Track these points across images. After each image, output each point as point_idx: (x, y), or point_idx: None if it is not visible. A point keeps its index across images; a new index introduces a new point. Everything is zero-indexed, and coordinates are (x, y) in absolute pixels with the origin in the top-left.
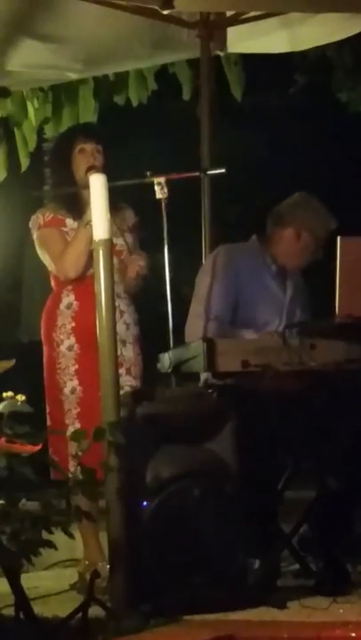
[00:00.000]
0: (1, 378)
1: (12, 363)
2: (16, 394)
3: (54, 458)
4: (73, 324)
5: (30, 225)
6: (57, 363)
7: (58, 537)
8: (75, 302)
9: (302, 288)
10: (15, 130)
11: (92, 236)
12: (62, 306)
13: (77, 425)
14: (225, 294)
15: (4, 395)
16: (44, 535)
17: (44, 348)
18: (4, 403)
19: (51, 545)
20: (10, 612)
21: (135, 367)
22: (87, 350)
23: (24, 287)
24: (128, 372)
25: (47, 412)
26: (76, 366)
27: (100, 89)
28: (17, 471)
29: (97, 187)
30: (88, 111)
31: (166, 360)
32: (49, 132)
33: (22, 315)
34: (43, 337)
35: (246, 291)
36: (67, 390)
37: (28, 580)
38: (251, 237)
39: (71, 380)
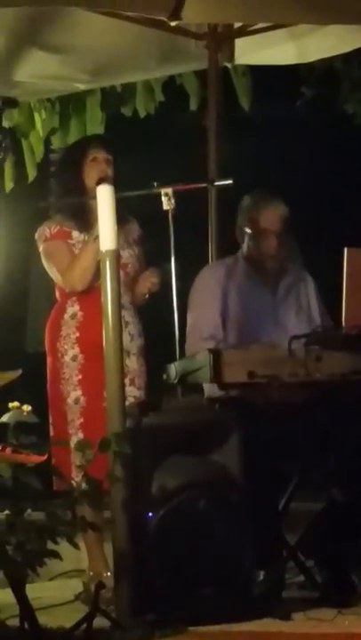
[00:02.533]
0: (7, 388)
1: (18, 373)
2: (22, 404)
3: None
4: (77, 335)
5: (36, 237)
6: (61, 373)
7: (63, 547)
8: (79, 312)
9: (303, 288)
10: (22, 140)
11: (98, 249)
12: (67, 316)
13: (80, 435)
14: (216, 312)
15: (11, 405)
16: (50, 545)
17: (48, 359)
18: (10, 413)
19: (56, 555)
20: (15, 622)
21: (139, 378)
22: (91, 360)
23: (30, 298)
24: (132, 382)
25: (50, 422)
26: (80, 376)
27: (108, 100)
28: (22, 481)
29: (104, 198)
30: (95, 122)
31: (173, 371)
32: (56, 142)
33: (28, 326)
34: (47, 347)
35: (235, 304)
36: (70, 400)
37: (33, 591)
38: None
39: (75, 390)
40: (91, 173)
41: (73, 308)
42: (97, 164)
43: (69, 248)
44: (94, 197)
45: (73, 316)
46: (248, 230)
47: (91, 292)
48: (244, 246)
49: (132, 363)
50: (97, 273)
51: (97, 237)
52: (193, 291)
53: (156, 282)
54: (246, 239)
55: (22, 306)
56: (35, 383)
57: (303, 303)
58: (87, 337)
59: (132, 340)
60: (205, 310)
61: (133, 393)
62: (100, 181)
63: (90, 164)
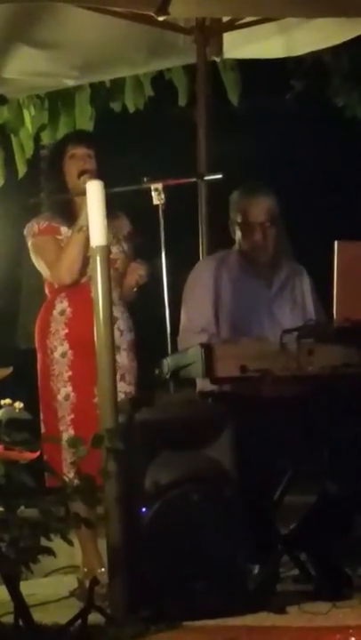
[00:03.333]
0: None
1: (9, 370)
2: (14, 401)
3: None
4: (66, 331)
5: (25, 232)
6: (51, 369)
7: (57, 544)
8: (68, 309)
9: (299, 282)
10: (12, 137)
11: (85, 241)
12: (55, 312)
13: (71, 431)
14: (209, 306)
15: (2, 402)
16: (43, 542)
17: (39, 355)
18: (1, 410)
19: (50, 552)
20: (9, 619)
21: (129, 374)
22: (81, 357)
23: (22, 294)
24: (122, 378)
25: (41, 418)
26: (70, 373)
27: (97, 95)
28: (15, 478)
29: (93, 193)
30: (84, 118)
31: (165, 366)
32: (46, 138)
33: (20, 322)
34: (37, 344)
35: (229, 298)
36: (60, 397)
37: (28, 587)
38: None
39: (65, 386)
40: (70, 169)
41: (62, 305)
42: (75, 160)
43: (58, 243)
44: (76, 194)
45: (62, 313)
46: (238, 223)
47: (79, 289)
48: (237, 240)
49: (122, 358)
50: (85, 267)
51: (81, 229)
52: (187, 285)
53: (143, 274)
54: (237, 233)
55: (14, 302)
56: (27, 380)
57: (298, 298)
58: (76, 333)
59: (122, 335)
60: (199, 304)
61: (124, 389)
62: (80, 174)
63: (69, 161)
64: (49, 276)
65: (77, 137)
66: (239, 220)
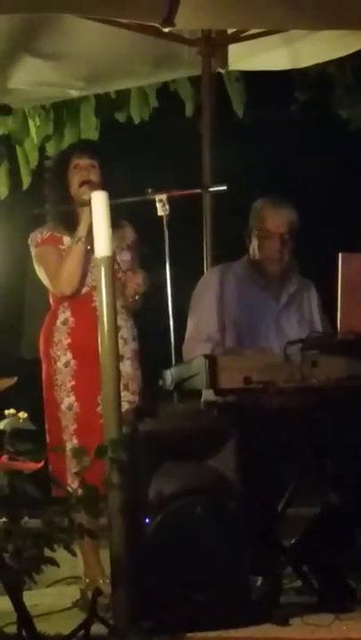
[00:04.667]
0: (3, 395)
1: (13, 380)
2: (18, 411)
3: (54, 475)
4: (69, 340)
5: (29, 242)
6: (54, 379)
7: (60, 554)
8: (71, 318)
9: (307, 296)
10: (17, 147)
11: (84, 252)
12: (59, 322)
13: (75, 441)
14: (216, 315)
15: (7, 412)
16: (46, 552)
17: (43, 365)
18: (5, 420)
19: (53, 562)
20: (12, 629)
21: (133, 383)
22: (84, 366)
23: (26, 304)
24: (126, 387)
25: (46, 428)
26: (73, 382)
27: (102, 106)
28: (19, 489)
29: (98, 204)
30: (89, 128)
31: (168, 377)
32: (50, 149)
33: (25, 332)
34: (41, 354)
35: (236, 309)
36: (64, 407)
37: (31, 598)
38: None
39: (68, 396)
40: (73, 180)
41: (65, 315)
42: (79, 170)
43: (60, 253)
44: (79, 204)
45: (65, 322)
46: (257, 230)
47: (82, 298)
48: (251, 249)
49: (126, 367)
50: (86, 277)
51: (79, 240)
52: (195, 293)
53: (140, 283)
54: (253, 241)
55: (19, 312)
56: (31, 390)
57: (306, 312)
58: (79, 343)
59: (126, 343)
60: (205, 313)
61: (127, 398)
62: (82, 184)
63: (72, 171)
64: (50, 287)
65: (81, 147)
66: (259, 227)
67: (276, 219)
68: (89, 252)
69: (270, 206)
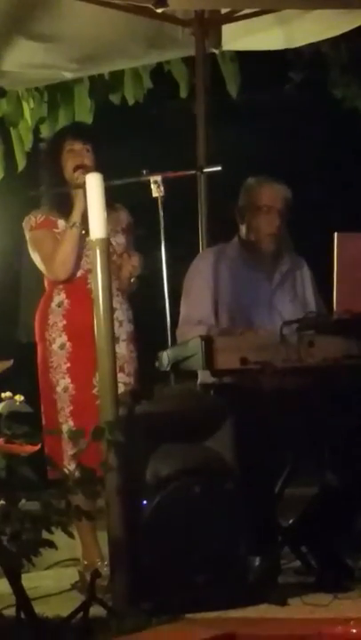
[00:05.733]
0: (0, 378)
1: (9, 363)
2: (15, 394)
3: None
4: (64, 322)
5: (23, 226)
6: (49, 361)
7: (58, 537)
8: (65, 300)
9: (299, 274)
10: (11, 130)
11: (78, 236)
12: (53, 304)
13: (70, 423)
14: (208, 298)
15: (3, 395)
16: (45, 535)
17: (38, 347)
18: (2, 403)
19: (51, 545)
20: (11, 612)
21: (129, 365)
22: (79, 348)
23: (22, 287)
24: (121, 369)
25: (42, 410)
26: (68, 364)
27: (96, 88)
28: (16, 471)
29: (93, 186)
30: (84, 110)
31: (165, 358)
32: (45, 131)
33: (21, 315)
34: (37, 336)
35: (229, 290)
36: (59, 389)
37: (29, 580)
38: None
39: (63, 378)
40: (67, 164)
41: (59, 297)
42: (73, 154)
43: (54, 237)
44: (73, 187)
45: (60, 305)
46: (250, 207)
47: (77, 281)
48: (243, 228)
49: (122, 349)
50: (80, 261)
51: (74, 224)
52: (187, 276)
53: (136, 265)
54: (246, 219)
55: (15, 295)
56: (28, 373)
57: (299, 290)
58: (74, 325)
59: (121, 325)
60: (198, 296)
61: (123, 379)
62: (76, 169)
63: (66, 155)
64: (44, 271)
65: (75, 131)
66: (254, 203)
67: (272, 193)
68: (83, 236)
69: (266, 182)
